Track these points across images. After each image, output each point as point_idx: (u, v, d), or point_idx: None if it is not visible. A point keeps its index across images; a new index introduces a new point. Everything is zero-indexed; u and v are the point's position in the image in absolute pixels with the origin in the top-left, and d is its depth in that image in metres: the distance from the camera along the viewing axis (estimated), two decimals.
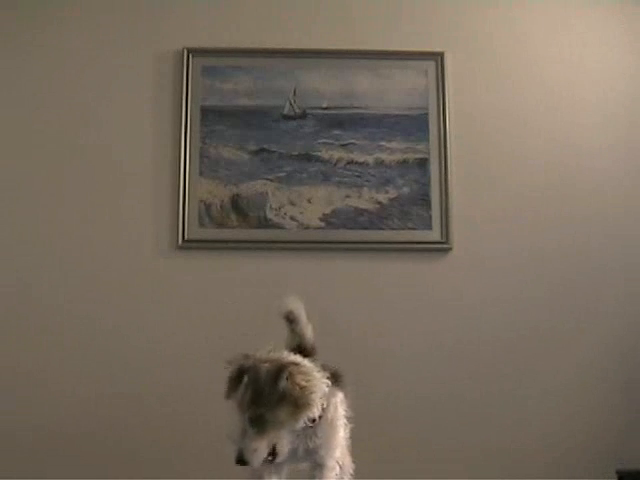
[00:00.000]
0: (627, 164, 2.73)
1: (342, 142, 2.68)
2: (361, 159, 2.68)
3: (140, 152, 2.66)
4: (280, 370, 1.43)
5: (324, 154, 2.68)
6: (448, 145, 2.68)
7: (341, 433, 1.54)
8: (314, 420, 1.47)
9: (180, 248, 2.60)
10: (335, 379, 1.54)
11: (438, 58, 2.73)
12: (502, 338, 2.60)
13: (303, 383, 1.44)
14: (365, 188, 2.66)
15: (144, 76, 2.71)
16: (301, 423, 1.44)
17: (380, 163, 2.68)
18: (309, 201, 2.65)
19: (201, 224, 2.61)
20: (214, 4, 2.76)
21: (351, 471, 1.69)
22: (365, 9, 2.78)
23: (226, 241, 2.61)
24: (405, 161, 2.68)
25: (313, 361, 1.53)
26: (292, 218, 2.64)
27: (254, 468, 1.44)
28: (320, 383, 1.47)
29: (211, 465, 2.41)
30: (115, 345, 2.54)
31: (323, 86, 2.72)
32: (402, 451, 2.50)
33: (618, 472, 2.39)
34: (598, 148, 2.74)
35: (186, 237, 2.60)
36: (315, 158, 2.67)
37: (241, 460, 1.40)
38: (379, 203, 2.66)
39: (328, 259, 2.63)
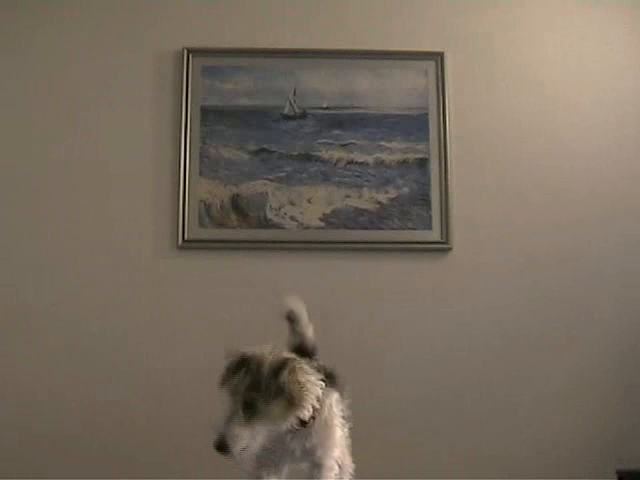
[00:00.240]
0: (626, 164, 2.73)
1: (342, 142, 2.68)
2: (361, 159, 2.68)
3: (140, 152, 2.66)
4: (283, 363, 1.43)
5: (324, 154, 2.68)
6: (448, 145, 2.68)
7: (338, 433, 1.53)
8: (305, 422, 1.47)
9: (180, 248, 2.60)
10: (331, 379, 1.54)
11: (438, 58, 2.73)
12: (502, 338, 2.60)
13: (302, 380, 1.44)
14: (365, 188, 2.66)
15: (144, 76, 2.71)
16: (288, 423, 1.44)
17: (380, 163, 2.68)
18: (309, 201, 2.65)
19: (201, 224, 2.61)
20: (214, 4, 2.76)
21: (351, 471, 1.69)
22: (365, 9, 2.78)
23: (226, 241, 2.61)
24: (405, 161, 2.68)
25: (311, 361, 1.53)
26: (292, 218, 2.64)
27: (233, 457, 1.41)
28: (315, 385, 1.47)
29: (211, 466, 2.41)
30: (115, 345, 2.54)
31: (323, 86, 2.72)
32: (402, 451, 2.50)
33: (618, 472, 2.39)
34: (597, 148, 2.74)
35: (186, 237, 2.60)
36: (315, 158, 2.67)
37: (222, 445, 1.39)
38: (379, 203, 2.66)
39: (328, 259, 2.63)
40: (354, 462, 1.70)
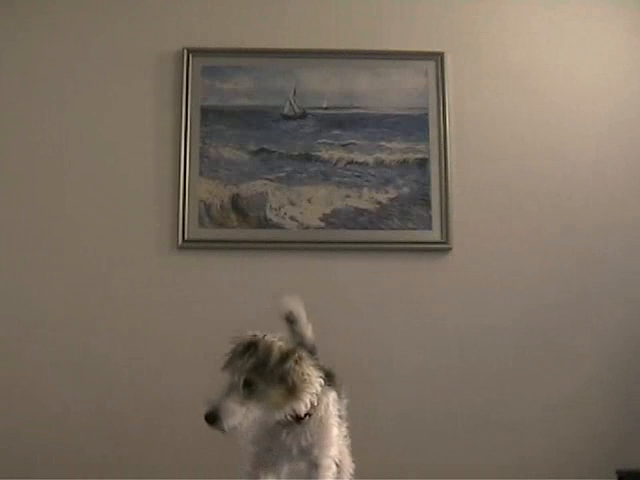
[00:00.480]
0: (628, 158, 2.73)
1: (342, 142, 2.68)
2: (361, 159, 2.68)
3: (140, 152, 2.66)
4: (292, 352, 1.44)
5: (324, 154, 2.68)
6: (448, 145, 2.68)
7: (334, 432, 1.53)
8: (301, 418, 1.47)
9: (180, 248, 2.60)
10: (329, 379, 1.55)
11: (438, 58, 2.73)
12: (502, 338, 2.60)
13: (307, 372, 1.45)
14: (365, 188, 2.66)
15: (144, 76, 2.71)
16: (283, 413, 1.44)
17: (380, 163, 2.68)
18: (309, 201, 2.65)
19: (201, 224, 2.61)
20: (214, 4, 2.76)
21: (351, 471, 1.69)
22: (365, 9, 2.78)
23: (226, 241, 2.61)
24: (405, 161, 2.68)
25: (311, 360, 1.53)
26: (292, 218, 2.64)
27: (222, 431, 1.41)
28: (317, 381, 1.48)
29: (211, 466, 2.41)
30: (115, 345, 2.54)
31: (323, 86, 2.72)
32: (402, 451, 2.50)
33: (618, 472, 2.39)
34: (599, 147, 2.73)
35: (186, 237, 2.60)
36: (315, 158, 2.67)
37: (212, 417, 1.40)
38: (379, 203, 2.66)
39: (328, 259, 2.63)
40: (354, 462, 1.70)
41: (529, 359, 2.59)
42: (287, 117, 2.69)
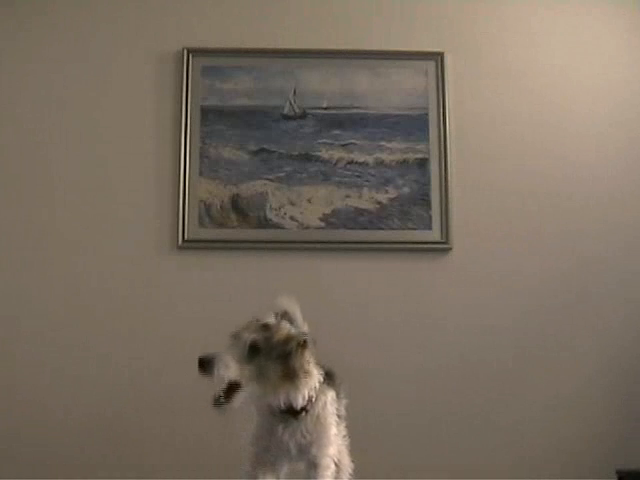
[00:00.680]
0: (628, 158, 2.73)
1: (342, 142, 2.68)
2: (361, 159, 2.68)
3: (140, 152, 2.66)
4: (298, 337, 1.47)
5: (324, 154, 2.68)
6: (448, 145, 2.68)
7: (332, 431, 1.54)
8: (297, 412, 1.47)
9: (180, 248, 2.60)
10: (328, 378, 1.56)
11: (438, 58, 2.73)
12: (502, 338, 2.60)
13: (308, 361, 1.47)
14: (365, 188, 2.66)
15: (144, 76, 2.71)
16: (278, 398, 1.45)
17: (380, 163, 2.68)
18: (309, 201, 2.65)
19: (201, 224, 2.61)
20: (214, 4, 2.76)
21: (350, 471, 1.69)
22: (365, 9, 2.78)
23: (226, 241, 2.61)
24: (405, 161, 2.68)
25: None
26: (292, 218, 2.64)
27: (210, 377, 1.43)
28: (315, 377, 1.49)
29: (210, 465, 2.42)
30: (115, 345, 2.54)
31: (323, 86, 2.72)
32: (401, 451, 2.50)
33: (618, 472, 2.38)
34: (599, 147, 2.73)
35: (186, 237, 2.60)
36: (315, 158, 2.67)
37: (207, 361, 1.43)
38: (379, 203, 2.66)
39: (328, 259, 2.63)
40: (353, 462, 1.71)
41: (529, 359, 2.59)
42: (287, 117, 2.69)
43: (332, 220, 2.64)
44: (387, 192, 2.66)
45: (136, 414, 2.50)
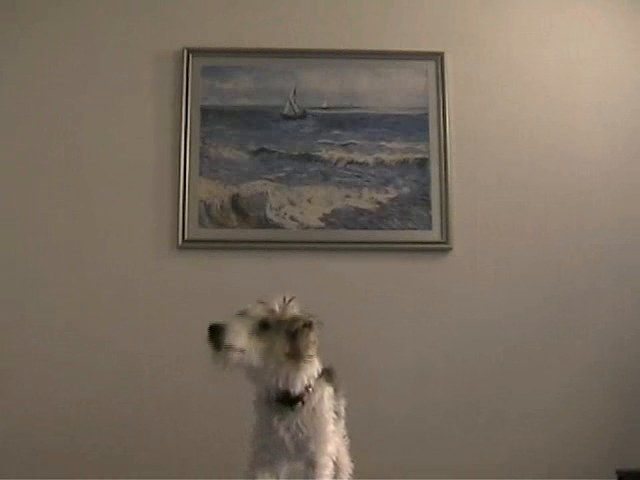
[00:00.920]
0: (628, 155, 2.73)
1: (342, 142, 2.68)
2: (361, 159, 2.68)
3: (140, 152, 2.66)
4: (304, 317, 1.50)
5: (324, 154, 2.68)
6: (448, 145, 2.68)
7: (329, 427, 1.53)
8: (293, 402, 1.48)
9: (180, 248, 2.60)
10: (328, 375, 1.56)
11: (438, 58, 2.73)
12: (502, 338, 2.60)
13: (313, 341, 1.48)
14: (365, 188, 2.66)
15: (144, 76, 2.71)
16: (276, 377, 1.46)
17: (380, 163, 2.68)
18: (309, 201, 2.65)
19: (201, 224, 2.61)
20: (214, 4, 2.76)
21: (350, 471, 1.69)
22: (365, 9, 2.78)
23: (226, 241, 2.61)
24: (405, 161, 2.68)
25: None
26: (292, 218, 2.64)
27: (220, 348, 1.46)
28: (316, 364, 1.51)
29: (211, 465, 2.42)
30: (115, 345, 2.54)
31: (323, 86, 2.72)
32: (401, 451, 2.50)
33: (618, 472, 2.38)
34: (599, 148, 2.73)
35: (186, 237, 2.60)
36: (315, 158, 2.67)
37: (218, 328, 1.46)
38: (379, 203, 2.66)
39: (328, 259, 2.62)
40: (353, 462, 1.71)
41: (529, 359, 2.59)
42: (287, 117, 2.69)
43: (332, 220, 2.64)
44: (387, 192, 2.66)
45: (135, 414, 2.50)
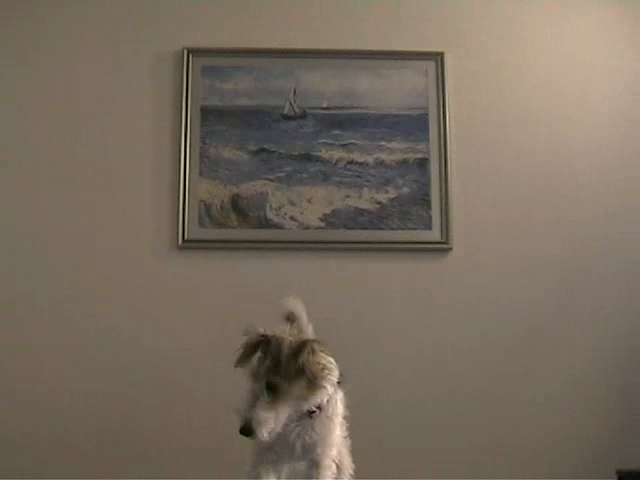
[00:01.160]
0: (628, 166, 2.73)
1: (342, 142, 2.68)
2: (361, 159, 2.68)
3: (140, 152, 2.66)
4: (303, 344, 1.44)
5: (324, 154, 2.68)
6: (448, 145, 2.68)
7: (338, 431, 1.53)
8: (314, 411, 1.47)
9: (180, 248, 2.60)
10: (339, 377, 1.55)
11: (438, 58, 2.73)
12: (502, 338, 2.60)
13: (323, 362, 1.45)
14: (365, 188, 2.66)
15: (144, 76, 2.71)
16: (310, 404, 1.44)
17: (380, 163, 2.68)
18: (309, 201, 2.65)
19: (201, 224, 2.61)
20: (214, 4, 2.76)
21: (351, 471, 1.69)
22: (365, 9, 2.78)
23: (226, 241, 2.61)
24: (405, 161, 2.68)
25: None
26: (292, 218, 2.64)
27: (259, 441, 1.42)
28: (335, 369, 1.48)
29: (211, 465, 2.42)
30: (115, 345, 2.54)
31: (323, 86, 2.72)
32: (402, 451, 2.50)
33: (618, 472, 2.38)
34: (599, 148, 2.73)
35: (186, 237, 2.59)
36: (315, 158, 2.67)
37: (248, 430, 1.39)
38: (379, 203, 2.66)
39: (328, 259, 2.63)
40: (354, 462, 1.70)
41: (528, 359, 2.59)
42: (287, 117, 2.69)
43: (332, 220, 2.64)
44: (387, 192, 2.66)
45: (135, 414, 2.49)
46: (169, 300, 2.58)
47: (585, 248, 2.67)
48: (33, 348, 2.53)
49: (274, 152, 2.67)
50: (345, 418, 1.61)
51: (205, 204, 2.62)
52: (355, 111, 2.70)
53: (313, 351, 1.44)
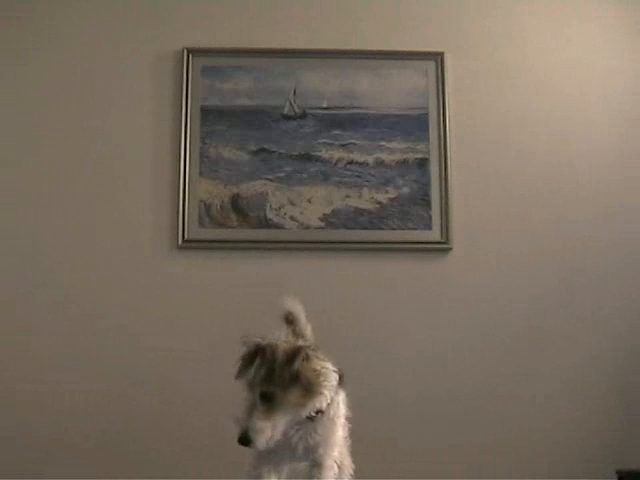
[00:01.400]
0: (628, 166, 2.73)
1: (342, 142, 2.68)
2: (361, 159, 2.68)
3: (140, 152, 2.66)
4: (297, 351, 1.43)
5: (324, 154, 2.68)
6: (448, 145, 2.68)
7: (340, 432, 1.53)
8: (317, 413, 1.47)
9: (180, 248, 2.60)
10: (340, 379, 1.55)
11: (438, 58, 2.73)
12: (502, 338, 2.60)
13: (318, 368, 1.44)
14: (365, 188, 2.66)
15: (144, 76, 2.71)
16: (308, 411, 1.44)
17: (380, 163, 2.68)
18: (309, 201, 2.65)
19: (201, 224, 2.61)
20: (214, 4, 2.76)
21: (351, 471, 1.69)
22: (365, 9, 2.78)
23: (226, 241, 2.61)
24: (405, 161, 2.68)
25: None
26: (292, 218, 2.64)
27: (257, 449, 1.42)
28: (332, 374, 1.48)
29: (211, 465, 2.42)
30: (115, 345, 2.54)
31: (323, 86, 2.72)
32: (402, 451, 2.50)
33: (618, 472, 2.38)
34: (598, 148, 2.74)
35: (186, 237, 2.60)
36: (315, 158, 2.67)
37: (245, 439, 1.39)
38: (379, 203, 2.66)
39: (328, 259, 2.63)
40: (354, 462, 1.70)
41: (528, 359, 2.59)
42: (287, 117, 2.69)
43: (332, 220, 2.64)
44: (387, 192, 2.66)
45: (135, 414, 2.49)
46: (169, 300, 2.58)
47: (585, 248, 2.67)
48: (33, 348, 2.53)
49: (274, 152, 2.67)
50: (347, 418, 1.61)
51: (205, 204, 2.62)
52: (355, 111, 2.71)
53: (307, 357, 1.43)
